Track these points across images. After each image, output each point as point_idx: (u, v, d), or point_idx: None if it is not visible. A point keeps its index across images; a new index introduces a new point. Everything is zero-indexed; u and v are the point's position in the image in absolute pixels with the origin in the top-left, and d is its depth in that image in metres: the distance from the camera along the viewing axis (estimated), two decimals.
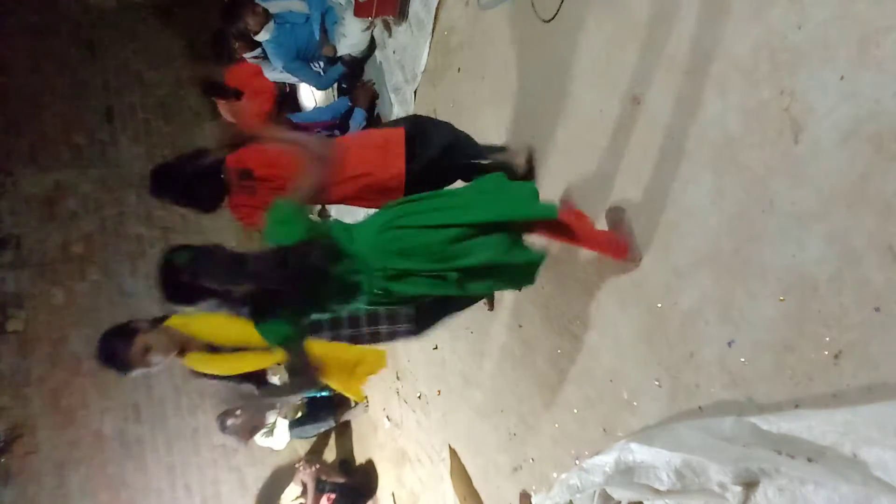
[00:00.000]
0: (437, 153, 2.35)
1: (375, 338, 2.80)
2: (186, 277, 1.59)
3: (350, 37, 3.87)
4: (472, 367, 3.26)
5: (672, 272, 1.91)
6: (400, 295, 1.80)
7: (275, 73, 4.18)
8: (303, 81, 4.28)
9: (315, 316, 1.84)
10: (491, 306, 3.01)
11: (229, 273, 1.61)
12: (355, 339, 2.78)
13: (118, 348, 2.21)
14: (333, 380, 3.12)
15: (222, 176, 2.44)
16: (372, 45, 4.05)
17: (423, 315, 2.73)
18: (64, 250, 5.17)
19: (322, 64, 4.10)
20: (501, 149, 2.72)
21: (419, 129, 2.41)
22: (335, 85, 4.26)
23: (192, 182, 2.45)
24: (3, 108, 5.31)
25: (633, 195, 2.06)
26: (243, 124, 2.62)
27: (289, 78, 4.24)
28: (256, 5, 3.79)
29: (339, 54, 3.98)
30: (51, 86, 5.52)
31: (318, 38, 3.94)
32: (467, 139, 2.50)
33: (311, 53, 4.01)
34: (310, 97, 4.56)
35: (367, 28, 3.85)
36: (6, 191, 5.16)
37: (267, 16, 3.77)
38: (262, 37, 3.79)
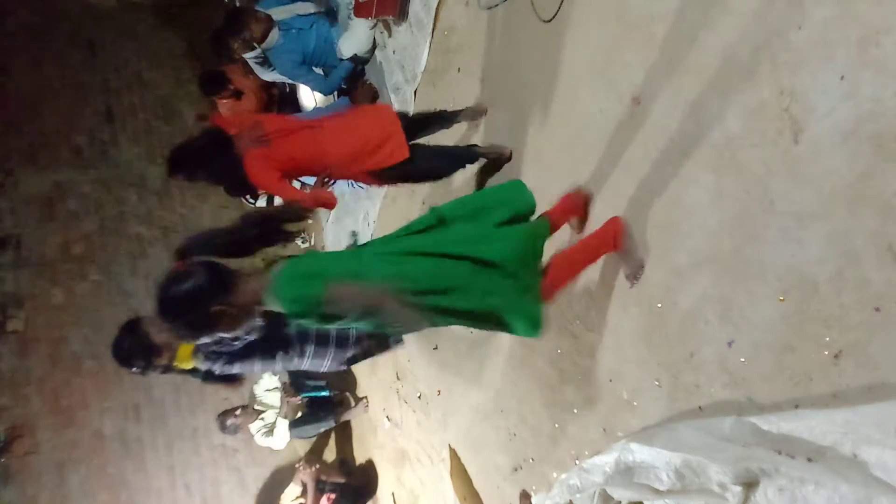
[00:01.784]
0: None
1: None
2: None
3: (357, 37, 3.83)
4: (472, 367, 3.26)
5: (672, 272, 1.91)
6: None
7: (271, 74, 4.16)
8: (307, 86, 4.24)
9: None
10: None
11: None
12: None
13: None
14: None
15: (230, 141, 2.47)
16: (374, 45, 4.04)
17: None
18: (64, 250, 5.17)
19: (321, 70, 4.07)
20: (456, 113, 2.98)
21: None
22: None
23: (204, 151, 2.47)
24: (3, 108, 5.30)
25: (634, 195, 2.06)
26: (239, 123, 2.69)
27: (285, 77, 4.21)
28: (258, 12, 3.74)
29: (345, 55, 3.95)
30: (51, 86, 5.51)
31: (324, 39, 3.89)
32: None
33: (317, 59, 3.97)
34: (310, 97, 4.55)
35: (374, 27, 3.83)
36: (6, 191, 5.15)
37: (270, 22, 3.73)
38: (268, 44, 3.76)
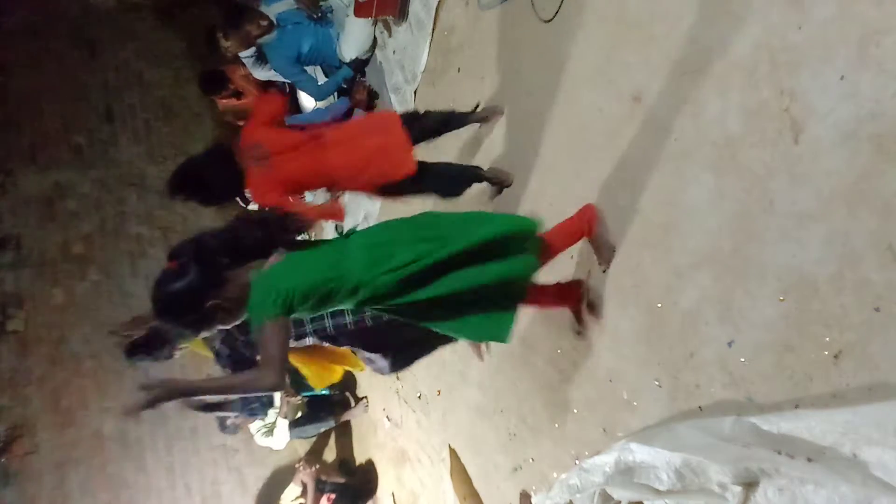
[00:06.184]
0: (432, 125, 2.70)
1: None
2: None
3: (357, 36, 3.80)
4: (472, 367, 3.25)
5: (672, 272, 1.91)
6: (394, 298, 1.73)
7: (266, 73, 4.14)
8: (300, 88, 4.20)
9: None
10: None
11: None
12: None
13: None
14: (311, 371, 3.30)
15: (235, 160, 2.44)
16: (374, 43, 4.02)
17: (400, 355, 2.82)
18: (64, 250, 5.17)
19: (322, 69, 4.05)
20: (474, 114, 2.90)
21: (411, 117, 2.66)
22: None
23: (207, 170, 2.44)
24: (3, 108, 5.31)
25: (633, 195, 2.06)
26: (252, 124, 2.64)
27: (281, 76, 4.18)
28: (261, 14, 3.67)
29: (348, 58, 3.92)
30: (51, 86, 5.51)
31: (322, 35, 3.85)
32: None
33: (316, 56, 3.92)
34: (310, 98, 4.56)
35: (374, 24, 3.80)
36: (6, 191, 5.16)
37: (270, 26, 3.67)
38: (265, 40, 3.73)
